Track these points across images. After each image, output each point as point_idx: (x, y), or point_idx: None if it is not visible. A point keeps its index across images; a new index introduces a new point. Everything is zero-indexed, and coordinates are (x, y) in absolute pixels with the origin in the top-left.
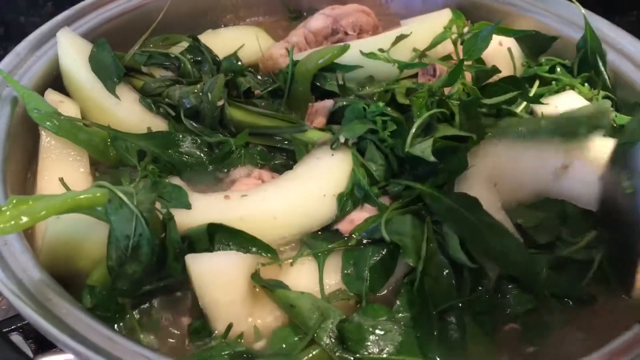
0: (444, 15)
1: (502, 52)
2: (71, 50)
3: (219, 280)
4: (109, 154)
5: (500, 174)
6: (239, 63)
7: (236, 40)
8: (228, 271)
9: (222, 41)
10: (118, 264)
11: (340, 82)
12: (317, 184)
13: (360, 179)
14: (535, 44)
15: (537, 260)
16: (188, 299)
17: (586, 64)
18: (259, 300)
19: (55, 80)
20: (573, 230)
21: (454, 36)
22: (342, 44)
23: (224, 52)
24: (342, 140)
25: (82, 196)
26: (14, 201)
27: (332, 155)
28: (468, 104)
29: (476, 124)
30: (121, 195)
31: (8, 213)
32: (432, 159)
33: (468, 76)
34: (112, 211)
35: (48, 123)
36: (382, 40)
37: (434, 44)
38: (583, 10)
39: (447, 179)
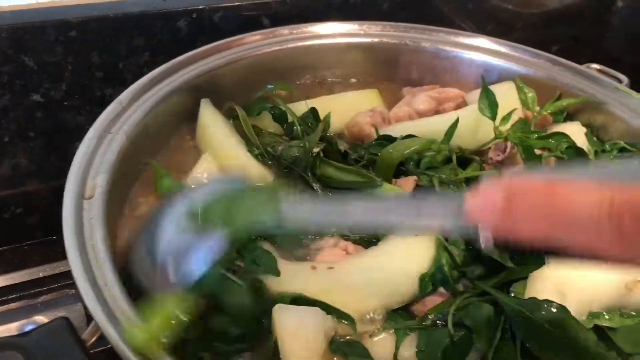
0: (506, 88)
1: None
2: (210, 116)
3: (301, 332)
4: None
5: (569, 285)
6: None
7: (352, 105)
8: (310, 325)
9: (336, 106)
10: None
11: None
12: (401, 263)
13: (443, 263)
14: None
15: None
16: None
17: None
18: None
19: (148, 129)
20: None
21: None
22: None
23: (336, 116)
24: None
25: None
26: None
27: (416, 235)
28: None
29: None
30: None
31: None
32: (510, 265)
33: None
34: None
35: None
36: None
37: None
38: None
39: (524, 273)
